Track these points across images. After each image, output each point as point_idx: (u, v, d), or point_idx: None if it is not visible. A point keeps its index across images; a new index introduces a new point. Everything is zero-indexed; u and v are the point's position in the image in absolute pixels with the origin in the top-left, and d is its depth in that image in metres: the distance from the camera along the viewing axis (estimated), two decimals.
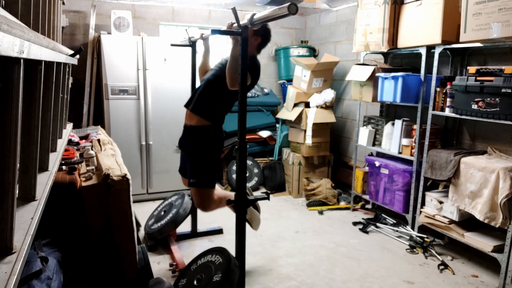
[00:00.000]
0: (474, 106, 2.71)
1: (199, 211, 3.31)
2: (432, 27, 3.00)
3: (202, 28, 4.91)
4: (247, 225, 2.31)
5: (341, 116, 4.87)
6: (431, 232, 3.26)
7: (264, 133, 4.85)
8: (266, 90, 5.12)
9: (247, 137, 2.17)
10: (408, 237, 3.31)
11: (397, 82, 3.27)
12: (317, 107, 4.35)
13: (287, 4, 1.58)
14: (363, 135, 3.91)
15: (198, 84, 3.00)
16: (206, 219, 3.58)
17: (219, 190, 2.78)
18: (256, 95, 4.95)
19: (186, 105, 2.68)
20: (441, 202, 3.08)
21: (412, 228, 3.37)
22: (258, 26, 1.96)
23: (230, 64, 2.26)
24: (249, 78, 2.36)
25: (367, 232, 3.53)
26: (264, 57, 5.36)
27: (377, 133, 3.84)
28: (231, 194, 2.78)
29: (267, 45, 2.63)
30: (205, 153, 2.60)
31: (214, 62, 2.82)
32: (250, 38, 2.39)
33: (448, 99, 3.01)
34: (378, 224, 3.61)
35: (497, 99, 2.56)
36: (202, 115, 2.58)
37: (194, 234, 3.34)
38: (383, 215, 3.72)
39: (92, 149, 2.40)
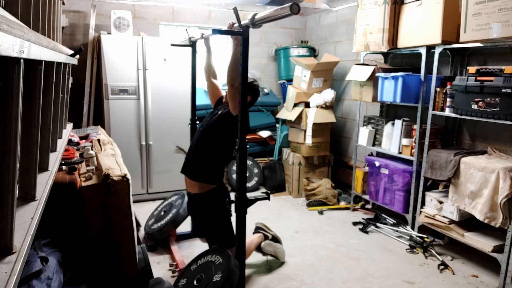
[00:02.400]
0: (474, 106, 2.71)
1: None
2: (432, 27, 3.00)
3: (202, 28, 4.91)
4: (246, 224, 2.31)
5: (341, 116, 4.87)
6: (431, 232, 3.25)
7: (264, 133, 4.85)
8: (266, 90, 5.12)
9: (247, 137, 2.17)
10: (408, 237, 3.31)
11: (397, 82, 3.27)
12: (317, 107, 4.35)
13: (289, 4, 1.57)
14: (363, 135, 3.91)
15: (198, 84, 2.99)
16: None
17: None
18: None
19: (183, 171, 2.55)
20: (441, 202, 3.08)
21: (412, 228, 3.37)
22: (259, 26, 1.96)
23: (231, 65, 2.26)
24: (248, 97, 2.36)
25: (367, 232, 3.53)
26: (264, 57, 5.36)
27: (377, 133, 3.84)
28: (254, 240, 2.76)
29: (258, 99, 2.59)
30: (215, 215, 2.49)
31: (217, 64, 2.78)
32: None
33: (448, 99, 3.01)
34: (378, 224, 3.61)
35: (497, 99, 2.56)
36: (203, 180, 2.46)
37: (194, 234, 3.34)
38: (383, 215, 3.72)
39: (92, 149, 2.40)
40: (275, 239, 2.93)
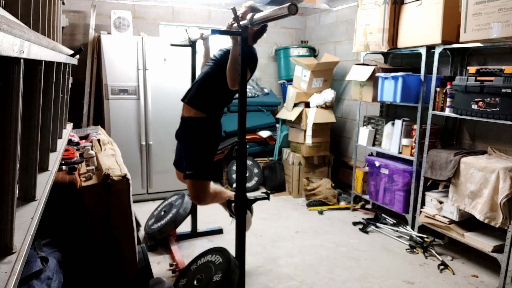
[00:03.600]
0: (474, 106, 2.71)
1: (199, 211, 3.32)
2: (432, 27, 3.00)
3: (202, 28, 4.91)
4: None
5: (341, 116, 4.87)
6: (431, 232, 3.26)
7: (264, 133, 4.85)
8: (266, 90, 5.12)
9: (247, 137, 2.17)
10: (408, 237, 3.31)
11: (397, 82, 3.27)
12: (317, 107, 4.35)
13: (287, 4, 1.57)
14: (363, 135, 3.91)
15: None
16: (206, 219, 3.58)
17: (215, 185, 2.76)
18: (256, 95, 4.95)
19: (183, 99, 2.65)
20: (441, 202, 3.08)
21: (412, 228, 3.37)
22: (258, 27, 1.96)
23: (230, 64, 2.26)
24: (248, 72, 2.36)
25: (367, 232, 3.53)
26: (264, 57, 5.36)
27: (377, 133, 3.84)
28: (227, 192, 2.79)
29: (264, 35, 2.61)
30: (202, 144, 2.57)
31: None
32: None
33: (448, 99, 3.01)
34: (378, 224, 3.61)
35: (497, 99, 2.56)
36: (200, 109, 2.56)
37: (194, 234, 3.34)
38: (383, 215, 3.72)
39: (92, 149, 2.40)
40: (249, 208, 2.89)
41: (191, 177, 2.57)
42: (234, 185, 2.25)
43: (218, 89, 2.54)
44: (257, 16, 1.87)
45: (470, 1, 2.65)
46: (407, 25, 3.27)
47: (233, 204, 2.70)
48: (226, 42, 5.04)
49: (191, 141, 2.60)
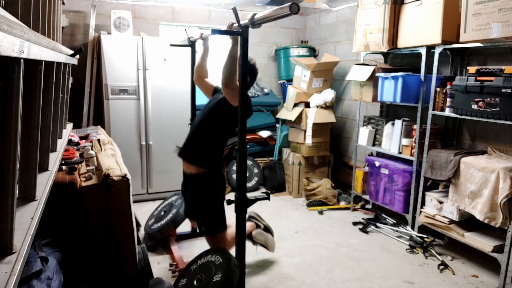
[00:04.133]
0: (474, 106, 2.71)
1: None
2: (432, 27, 3.00)
3: (202, 28, 4.91)
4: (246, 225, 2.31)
5: (341, 116, 4.87)
6: (431, 232, 3.25)
7: (264, 133, 4.85)
8: (266, 90, 5.12)
9: (247, 137, 2.16)
10: (408, 237, 3.31)
11: (397, 82, 3.27)
12: (317, 107, 4.35)
13: (289, 4, 1.57)
14: (363, 135, 3.91)
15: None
16: None
17: (232, 227, 2.55)
18: (256, 95, 4.95)
19: (180, 154, 2.54)
20: (441, 202, 3.08)
21: (412, 228, 3.37)
22: (258, 26, 1.96)
23: (226, 64, 2.24)
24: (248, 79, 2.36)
25: (367, 232, 3.53)
26: (264, 57, 5.36)
27: (377, 133, 3.84)
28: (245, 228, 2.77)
29: (256, 79, 2.59)
30: (208, 198, 2.49)
31: (211, 64, 2.77)
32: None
33: (448, 99, 3.01)
34: (378, 224, 3.61)
35: (497, 99, 2.56)
36: (200, 164, 2.45)
37: (194, 234, 3.34)
38: (383, 215, 3.72)
39: (92, 149, 2.40)
40: (267, 229, 2.91)
41: (207, 233, 2.53)
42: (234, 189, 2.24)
43: (215, 138, 2.46)
44: (259, 15, 1.87)
45: (470, 1, 2.65)
46: (407, 25, 3.27)
47: (253, 234, 2.78)
48: (226, 42, 5.05)
49: (197, 197, 2.52)
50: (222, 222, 2.51)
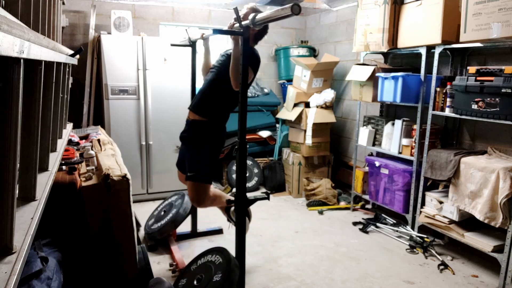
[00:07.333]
0: (474, 106, 2.71)
1: (199, 211, 3.32)
2: (432, 27, 3.00)
3: (202, 28, 4.91)
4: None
5: (341, 116, 4.87)
6: (431, 232, 3.25)
7: (264, 133, 4.85)
8: (266, 90, 5.12)
9: (247, 137, 2.17)
10: (408, 237, 3.31)
11: (397, 82, 3.27)
12: (317, 107, 4.35)
13: (290, 4, 1.57)
14: (363, 135, 3.91)
15: (198, 84, 3.00)
16: (206, 219, 3.58)
17: (215, 189, 2.77)
18: (256, 95, 4.95)
19: (189, 108, 2.70)
20: (441, 202, 3.08)
21: (412, 228, 3.37)
22: (260, 27, 1.96)
23: (233, 66, 2.27)
24: (251, 72, 2.39)
25: (367, 232, 3.53)
26: (264, 57, 5.36)
27: (377, 133, 3.84)
28: (226, 196, 2.78)
29: (264, 37, 2.64)
30: (205, 147, 2.59)
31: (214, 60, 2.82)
32: None
33: (448, 99, 3.01)
34: (378, 224, 3.61)
35: (497, 99, 2.56)
36: (205, 115, 2.60)
37: (194, 234, 3.34)
38: (383, 215, 3.72)
39: (92, 149, 2.40)
40: (247, 214, 2.89)
41: (192, 178, 2.58)
42: (234, 190, 2.24)
43: (222, 95, 2.57)
44: (260, 16, 1.87)
45: (470, 1, 2.65)
46: (407, 25, 3.27)
47: (231, 209, 2.74)
48: (226, 42, 5.05)
49: (195, 144, 2.62)
50: (210, 175, 2.61)
